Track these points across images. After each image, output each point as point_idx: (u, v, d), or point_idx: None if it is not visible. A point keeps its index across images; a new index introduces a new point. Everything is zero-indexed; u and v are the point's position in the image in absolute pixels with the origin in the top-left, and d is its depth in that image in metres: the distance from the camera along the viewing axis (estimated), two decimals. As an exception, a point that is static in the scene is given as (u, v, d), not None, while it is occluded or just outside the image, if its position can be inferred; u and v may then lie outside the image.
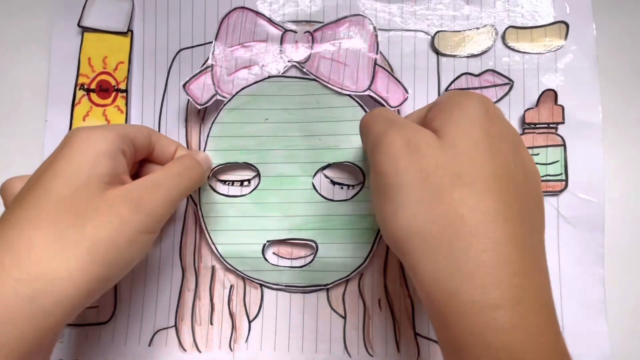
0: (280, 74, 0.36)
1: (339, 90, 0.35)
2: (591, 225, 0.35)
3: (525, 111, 0.36)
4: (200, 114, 0.37)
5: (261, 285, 0.36)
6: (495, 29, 0.37)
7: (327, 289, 0.36)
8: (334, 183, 0.36)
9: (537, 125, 0.36)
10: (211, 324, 0.36)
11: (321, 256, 0.35)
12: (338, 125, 0.35)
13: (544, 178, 0.35)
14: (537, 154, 0.36)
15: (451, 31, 0.37)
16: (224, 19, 0.36)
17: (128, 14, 0.38)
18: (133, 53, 0.38)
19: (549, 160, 0.35)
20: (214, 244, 0.35)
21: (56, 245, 0.23)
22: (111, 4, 0.38)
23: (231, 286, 0.36)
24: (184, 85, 0.35)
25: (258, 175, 0.36)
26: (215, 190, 0.36)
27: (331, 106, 0.35)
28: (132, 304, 0.36)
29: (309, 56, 0.36)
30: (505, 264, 0.21)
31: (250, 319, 0.36)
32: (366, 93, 0.35)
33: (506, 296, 0.21)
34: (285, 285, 0.35)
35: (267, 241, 0.35)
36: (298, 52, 0.36)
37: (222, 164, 0.36)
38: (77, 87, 0.38)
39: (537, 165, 0.35)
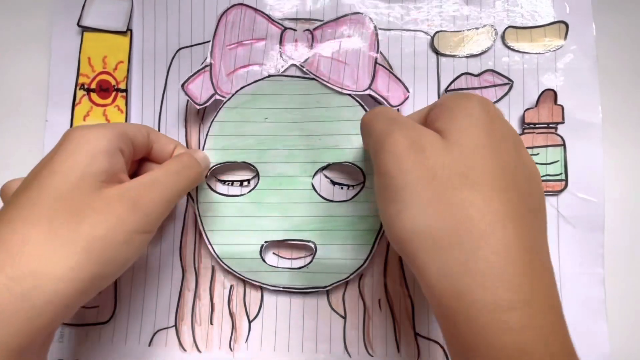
0: (279, 73, 0.36)
1: (339, 89, 0.35)
2: (591, 225, 0.35)
3: (525, 111, 0.36)
4: (200, 113, 0.37)
5: (260, 286, 0.36)
6: (494, 29, 0.37)
7: (327, 291, 0.36)
8: (333, 183, 0.36)
9: (537, 125, 0.36)
10: (211, 324, 0.36)
11: (320, 257, 0.35)
12: (338, 125, 0.35)
13: (544, 178, 0.35)
14: (537, 154, 0.36)
15: (451, 31, 0.37)
16: (222, 16, 0.36)
17: (127, 13, 0.38)
18: (132, 52, 0.38)
19: (549, 160, 0.35)
20: (210, 244, 0.35)
21: (51, 243, 0.23)
22: (110, 3, 0.38)
23: (231, 286, 0.36)
24: (182, 85, 0.35)
25: (257, 175, 0.36)
26: (214, 190, 0.36)
27: (331, 106, 0.35)
28: (132, 303, 0.36)
29: (309, 55, 0.36)
30: (514, 265, 0.21)
31: (250, 319, 0.36)
32: (367, 92, 0.35)
33: (516, 297, 0.21)
34: (284, 288, 0.35)
35: (265, 242, 0.35)
36: (298, 51, 0.36)
37: (220, 163, 0.35)
38: (78, 87, 0.38)
39: (537, 165, 0.35)
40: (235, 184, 0.36)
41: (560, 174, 0.35)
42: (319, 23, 0.37)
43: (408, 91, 0.35)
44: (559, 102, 0.36)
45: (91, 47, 0.38)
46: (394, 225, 0.24)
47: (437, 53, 0.37)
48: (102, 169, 0.26)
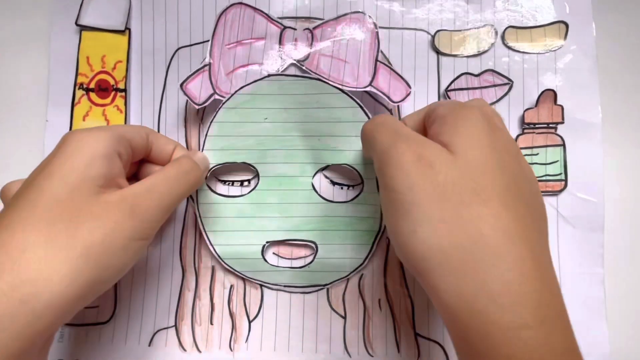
0: (279, 72, 0.36)
1: (340, 86, 0.35)
2: (591, 225, 0.35)
3: (524, 111, 0.36)
4: (200, 113, 0.37)
5: (261, 285, 0.36)
6: (495, 28, 0.37)
7: (327, 289, 0.36)
8: (333, 183, 0.36)
9: (537, 125, 0.36)
10: (211, 324, 0.36)
11: (321, 257, 0.35)
12: (337, 126, 0.35)
13: (544, 178, 0.35)
14: (537, 154, 0.36)
15: (451, 31, 0.37)
16: (221, 15, 0.36)
17: (125, 12, 0.38)
18: (131, 52, 0.38)
19: (549, 160, 0.36)
20: (212, 244, 0.35)
21: (48, 248, 0.23)
22: (108, 2, 0.38)
23: (231, 286, 0.36)
24: (181, 85, 0.35)
25: (257, 175, 0.36)
26: (214, 191, 0.36)
27: (331, 106, 0.35)
28: (132, 304, 0.36)
29: (309, 54, 0.36)
30: (528, 282, 0.22)
31: (250, 319, 0.36)
32: (368, 89, 0.35)
33: (532, 315, 0.21)
34: (285, 285, 0.35)
35: (267, 242, 0.35)
36: (297, 50, 0.36)
37: (220, 164, 0.35)
38: (77, 87, 0.38)
39: (537, 165, 0.36)
40: (235, 184, 0.36)
41: (560, 174, 0.35)
42: (319, 22, 0.36)
43: (410, 87, 0.35)
44: (558, 102, 0.36)
45: (89, 47, 0.38)
46: (408, 244, 0.24)
47: (438, 52, 0.37)
48: (100, 173, 0.26)
